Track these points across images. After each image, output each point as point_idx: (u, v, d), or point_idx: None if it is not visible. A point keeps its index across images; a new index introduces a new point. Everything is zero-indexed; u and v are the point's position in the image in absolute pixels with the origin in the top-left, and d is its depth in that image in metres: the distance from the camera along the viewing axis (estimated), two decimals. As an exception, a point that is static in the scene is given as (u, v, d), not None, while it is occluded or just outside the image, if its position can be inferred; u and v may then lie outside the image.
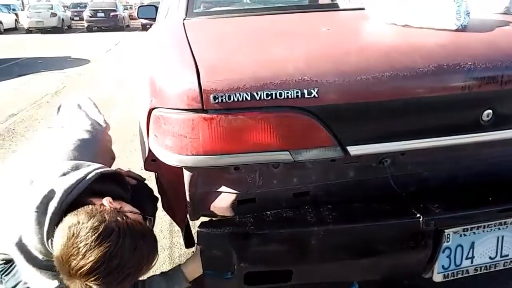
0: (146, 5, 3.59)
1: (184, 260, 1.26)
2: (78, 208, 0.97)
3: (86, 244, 0.89)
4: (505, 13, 1.54)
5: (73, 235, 0.90)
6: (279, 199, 1.07)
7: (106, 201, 1.01)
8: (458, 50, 1.01)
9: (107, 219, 0.93)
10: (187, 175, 1.04)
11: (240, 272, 0.96)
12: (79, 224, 0.92)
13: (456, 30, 1.12)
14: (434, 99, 0.98)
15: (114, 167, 1.33)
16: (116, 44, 11.90)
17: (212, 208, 1.07)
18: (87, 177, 1.03)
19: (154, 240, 1.05)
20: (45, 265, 1.03)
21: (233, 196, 1.04)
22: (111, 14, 18.16)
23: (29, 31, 17.20)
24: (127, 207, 1.06)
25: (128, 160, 2.70)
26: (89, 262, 0.88)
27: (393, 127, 0.99)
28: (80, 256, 0.88)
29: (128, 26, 19.68)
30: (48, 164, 1.11)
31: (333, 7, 1.63)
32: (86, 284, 0.90)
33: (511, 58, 0.99)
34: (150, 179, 1.44)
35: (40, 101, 4.99)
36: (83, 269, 0.88)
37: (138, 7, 3.39)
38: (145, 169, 1.17)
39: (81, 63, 8.20)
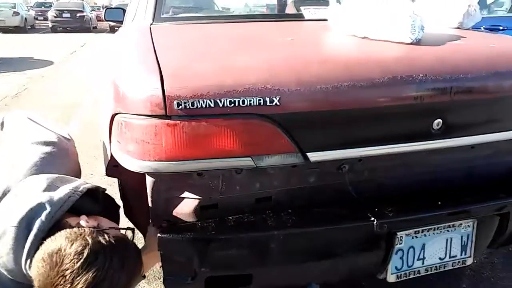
0: (114, 8, 3.53)
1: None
2: (56, 234, 0.90)
3: (73, 271, 0.84)
4: (458, 28, 1.66)
5: (56, 264, 0.85)
6: (241, 204, 1.08)
7: (83, 220, 0.96)
8: (411, 62, 1.07)
9: (90, 242, 0.88)
10: (149, 181, 1.04)
11: (201, 277, 0.97)
12: (61, 251, 0.86)
13: (411, 44, 1.19)
14: (389, 109, 1.03)
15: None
16: (82, 46, 11.58)
17: (175, 214, 1.06)
18: (76, 192, 0.99)
19: (138, 254, 1.02)
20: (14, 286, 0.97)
21: (196, 202, 1.05)
22: (78, 14, 17.66)
23: (-11, 30, 16.41)
24: (104, 222, 1.02)
25: (92, 166, 2.63)
26: None
27: (351, 135, 1.03)
28: (68, 283, 0.83)
29: (95, 27, 19.19)
30: (23, 177, 1.03)
31: (299, 17, 1.68)
32: None
33: (459, 71, 1.06)
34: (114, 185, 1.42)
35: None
36: None
37: (105, 9, 3.33)
38: (107, 175, 1.16)
39: (45, 64, 7.91)
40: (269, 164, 1.00)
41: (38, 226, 0.91)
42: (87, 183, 1.06)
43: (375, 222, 1.01)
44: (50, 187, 0.98)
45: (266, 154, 0.98)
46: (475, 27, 3.72)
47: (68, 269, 0.84)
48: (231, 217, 1.01)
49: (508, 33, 3.38)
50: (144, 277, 1.19)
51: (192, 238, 0.94)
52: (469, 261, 1.21)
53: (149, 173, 1.00)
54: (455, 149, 1.17)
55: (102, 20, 15.82)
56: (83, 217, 0.97)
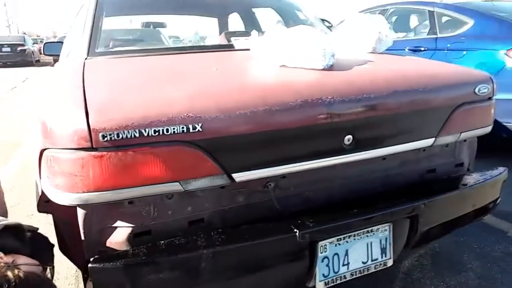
0: (53, 42, 3.49)
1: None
2: None
3: None
4: (372, 52, 1.85)
5: None
6: (175, 228, 1.13)
7: None
8: (321, 87, 1.20)
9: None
10: (81, 213, 1.07)
11: (135, 303, 1.00)
12: None
13: (323, 69, 1.33)
14: (304, 129, 1.14)
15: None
16: (23, 81, 11.09)
17: (108, 244, 1.09)
18: None
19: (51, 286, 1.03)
20: None
21: (129, 230, 1.08)
22: (19, 48, 17.02)
23: None
24: (22, 260, 1.01)
25: (31, 207, 2.52)
26: None
27: (272, 154, 1.13)
28: None
29: (38, 61, 18.49)
30: None
31: (229, 47, 1.80)
32: None
33: (363, 92, 1.20)
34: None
35: None
36: None
37: (44, 44, 3.28)
38: (39, 211, 1.17)
39: (-19, 101, 7.50)
40: (197, 187, 1.07)
41: None
42: (5, 220, 1.06)
43: (297, 233, 1.10)
44: None
45: (193, 178, 1.05)
46: (395, 49, 4.10)
47: None
48: (162, 241, 1.05)
49: (428, 53, 3.77)
50: None
51: (123, 264, 0.97)
52: (390, 263, 1.33)
53: (79, 205, 1.03)
54: (369, 161, 1.31)
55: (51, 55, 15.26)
56: None
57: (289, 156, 1.15)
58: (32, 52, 17.91)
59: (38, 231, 1.34)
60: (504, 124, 3.16)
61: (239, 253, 1.07)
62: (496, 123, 3.26)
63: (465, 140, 1.58)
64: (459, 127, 1.42)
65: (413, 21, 4.47)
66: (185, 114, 1.01)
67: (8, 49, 16.85)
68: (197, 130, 1.01)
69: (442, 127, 1.38)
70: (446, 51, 3.58)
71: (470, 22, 3.49)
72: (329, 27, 2.84)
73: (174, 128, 0.99)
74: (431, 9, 3.91)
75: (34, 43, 20.25)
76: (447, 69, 1.60)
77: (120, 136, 0.95)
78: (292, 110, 1.11)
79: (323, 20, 2.50)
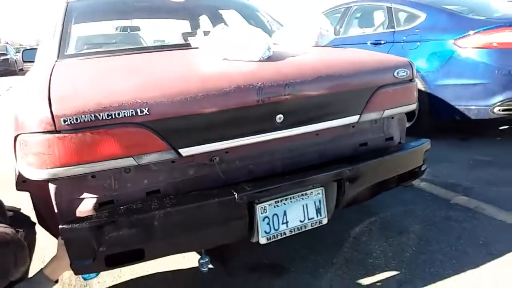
0: (30, 49, 3.66)
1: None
2: None
3: None
4: (315, 46, 2.08)
5: None
6: (134, 198, 1.34)
7: None
8: (253, 74, 1.42)
9: None
10: (52, 187, 1.27)
11: (100, 256, 1.21)
12: None
13: (260, 61, 1.56)
14: (238, 110, 1.36)
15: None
16: (7, 90, 11.13)
17: (78, 214, 1.30)
18: None
19: (21, 247, 1.23)
20: None
21: (94, 200, 1.30)
22: (1, 58, 17.00)
23: None
24: None
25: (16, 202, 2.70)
26: None
27: (212, 132, 1.34)
28: None
29: (21, 69, 18.34)
30: None
31: (186, 46, 2.01)
32: None
33: (289, 78, 1.43)
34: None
35: None
36: None
37: (22, 51, 3.45)
38: (17, 189, 1.37)
39: (-35, 112, 7.57)
40: (148, 161, 1.28)
41: None
42: None
43: (236, 195, 1.32)
44: None
45: (144, 153, 1.26)
46: (359, 43, 4.34)
47: None
48: (122, 207, 1.26)
49: (387, 45, 4.03)
50: (56, 281, 1.40)
51: (89, 224, 1.18)
52: (325, 221, 1.56)
53: (49, 180, 1.23)
54: (303, 137, 1.54)
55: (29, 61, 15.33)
56: None
57: (228, 134, 1.37)
58: (15, 61, 17.87)
59: (21, 211, 1.55)
60: (456, 107, 3.43)
61: (187, 213, 1.28)
62: (449, 107, 3.55)
63: (392, 117, 1.82)
64: (382, 105, 1.66)
65: (374, 16, 4.73)
66: (134, 101, 1.22)
67: (-10, 59, 16.81)
68: (144, 113, 1.23)
69: (365, 106, 1.61)
70: (402, 43, 3.85)
71: (422, 16, 3.76)
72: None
73: (124, 112, 1.21)
74: (389, 5, 4.18)
75: (16, 52, 20.15)
76: (370, 57, 1.85)
77: (79, 120, 1.16)
78: (227, 95, 1.33)
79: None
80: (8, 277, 1.18)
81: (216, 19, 3.18)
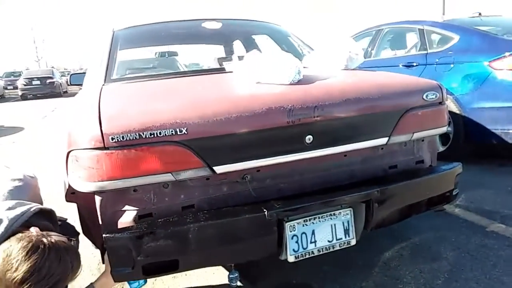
0: (78, 73, 3.96)
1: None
2: (11, 237, 1.23)
3: (17, 260, 1.16)
4: (345, 69, 2.15)
5: (6, 255, 1.17)
6: (171, 212, 1.43)
7: (33, 229, 1.29)
8: (283, 97, 1.50)
9: (33, 239, 1.21)
10: (98, 199, 1.39)
11: (138, 265, 1.29)
12: (11, 246, 1.19)
13: (290, 84, 1.64)
14: (271, 131, 1.44)
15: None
16: (52, 111, 11.88)
17: (119, 224, 1.40)
18: (30, 210, 1.32)
19: (76, 254, 1.35)
20: None
21: (134, 213, 1.40)
22: (48, 81, 18.15)
23: (-43, 102, 16.55)
24: (51, 234, 1.32)
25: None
26: (21, 273, 1.14)
27: (244, 152, 1.42)
28: (14, 269, 1.15)
29: (66, 92, 19.62)
30: None
31: (221, 70, 2.13)
32: None
33: (318, 100, 1.49)
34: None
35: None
36: (16, 279, 1.14)
37: (70, 75, 3.73)
38: (66, 200, 1.49)
39: (15, 131, 8.14)
40: (185, 177, 1.37)
41: None
42: (39, 205, 1.38)
43: (266, 213, 1.38)
44: (11, 208, 1.32)
45: (182, 170, 1.36)
46: (390, 66, 4.36)
47: (14, 258, 1.16)
48: (160, 219, 1.35)
49: (420, 68, 4.02)
50: None
51: (129, 234, 1.27)
52: (353, 242, 1.58)
53: (96, 192, 1.35)
54: (332, 158, 1.59)
55: (75, 85, 16.28)
56: (35, 228, 1.29)
57: (259, 153, 1.44)
58: (60, 84, 19.05)
59: (67, 221, 1.68)
60: (493, 131, 3.35)
61: (219, 228, 1.35)
62: (486, 130, 3.47)
63: (423, 140, 1.83)
64: (411, 128, 1.68)
65: (406, 39, 4.75)
66: (173, 121, 1.33)
67: (38, 82, 18.03)
68: (183, 132, 1.33)
69: (394, 128, 1.64)
70: (435, 65, 3.83)
71: (456, 38, 3.74)
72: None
73: (165, 131, 1.31)
74: (421, 27, 4.20)
75: (61, 76, 21.56)
76: (399, 79, 1.88)
77: (125, 138, 1.28)
78: (259, 116, 1.41)
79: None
80: (66, 282, 1.28)
81: (249, 44, 3.34)
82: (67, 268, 1.26)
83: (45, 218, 1.40)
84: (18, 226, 1.27)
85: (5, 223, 1.25)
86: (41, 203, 1.61)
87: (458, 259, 2.06)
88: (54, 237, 1.27)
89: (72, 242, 1.36)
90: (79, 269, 1.33)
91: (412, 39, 4.56)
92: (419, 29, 4.23)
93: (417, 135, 1.71)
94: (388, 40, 4.95)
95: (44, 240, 1.22)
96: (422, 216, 1.87)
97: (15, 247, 1.18)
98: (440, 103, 1.76)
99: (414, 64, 4.10)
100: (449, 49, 3.77)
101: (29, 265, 1.16)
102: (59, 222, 1.61)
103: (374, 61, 4.73)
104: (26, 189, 1.54)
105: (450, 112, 3.53)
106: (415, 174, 1.71)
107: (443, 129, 1.81)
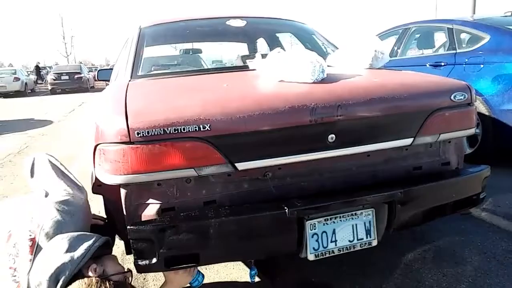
0: (105, 69, 4.07)
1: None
2: (72, 283, 1.27)
3: None
4: (370, 68, 2.12)
5: None
6: (192, 207, 1.46)
7: (91, 271, 1.32)
8: (307, 95, 1.49)
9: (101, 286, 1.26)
10: (123, 192, 1.43)
11: (161, 257, 1.32)
12: None
13: (314, 83, 1.63)
14: (293, 129, 1.44)
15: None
16: (80, 105, 12.24)
17: (143, 217, 1.43)
18: (90, 250, 1.33)
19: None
20: None
21: (158, 206, 1.43)
22: (76, 76, 18.70)
23: (-9, 96, 17.31)
24: (109, 268, 1.37)
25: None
26: None
27: (266, 149, 1.43)
28: None
29: (93, 87, 20.16)
30: (48, 235, 1.36)
31: (244, 68, 2.15)
32: None
33: (342, 99, 1.48)
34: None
35: (3, 160, 5.18)
36: None
37: (98, 71, 3.84)
38: (93, 192, 1.54)
39: (44, 124, 8.44)
40: (207, 173, 1.39)
41: (63, 280, 1.27)
42: (99, 240, 1.38)
43: (287, 210, 1.38)
44: (70, 248, 1.32)
45: (204, 165, 1.38)
46: (417, 65, 4.26)
47: None
48: (182, 213, 1.38)
49: (448, 68, 3.92)
50: None
51: (152, 227, 1.30)
52: (374, 243, 1.56)
53: (121, 185, 1.39)
54: (354, 157, 1.57)
55: (103, 80, 16.72)
56: (92, 266, 1.32)
57: (281, 151, 1.45)
58: (88, 79, 19.59)
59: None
60: (525, 134, 3.23)
61: (240, 224, 1.36)
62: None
63: (449, 142, 1.79)
64: (437, 129, 1.64)
65: (434, 38, 4.63)
66: (197, 117, 1.35)
67: (67, 77, 18.61)
68: (206, 129, 1.35)
69: (420, 129, 1.61)
70: (464, 65, 3.71)
71: (486, 37, 3.62)
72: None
73: (189, 127, 1.33)
74: (450, 26, 4.08)
75: (89, 71, 22.15)
76: (426, 79, 1.84)
77: (150, 133, 1.31)
78: (282, 114, 1.41)
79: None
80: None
81: (274, 42, 3.34)
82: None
83: (103, 248, 1.42)
84: (82, 266, 1.30)
85: (69, 269, 1.28)
86: (91, 219, 1.64)
87: (483, 264, 2.00)
88: (114, 278, 1.32)
89: (127, 276, 1.42)
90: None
91: (440, 38, 4.44)
92: (448, 28, 4.11)
93: (443, 137, 1.67)
94: (415, 39, 4.84)
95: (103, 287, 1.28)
96: (447, 219, 1.83)
97: None
98: (468, 104, 1.71)
99: (442, 64, 4.00)
100: (479, 49, 3.65)
101: None
102: (102, 222, 1.66)
103: (400, 60, 4.63)
104: (80, 213, 1.50)
105: (479, 114, 3.43)
106: (440, 176, 1.67)
107: (471, 131, 1.76)
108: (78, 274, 1.30)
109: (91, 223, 1.62)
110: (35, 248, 1.35)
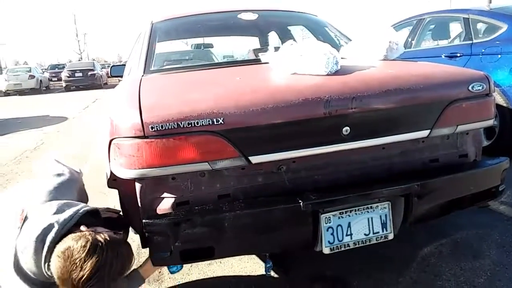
0: (118, 65, 4.10)
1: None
2: (64, 238, 1.28)
3: (80, 259, 1.21)
4: (384, 59, 2.08)
5: (68, 257, 1.22)
6: (207, 200, 1.46)
7: (83, 227, 1.33)
8: (320, 88, 1.47)
9: (90, 238, 1.26)
10: (138, 186, 1.44)
11: (176, 251, 1.33)
12: (70, 247, 1.24)
13: (327, 75, 1.61)
14: (307, 122, 1.42)
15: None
16: (93, 102, 12.39)
17: (158, 211, 1.44)
18: (78, 213, 1.36)
19: (128, 245, 1.41)
20: (38, 282, 1.33)
21: (172, 200, 1.44)
22: (89, 73, 18.92)
23: (7, 93, 17.64)
24: (99, 229, 1.37)
25: (102, 200, 3.02)
26: (87, 271, 1.21)
27: (280, 142, 1.42)
28: (79, 269, 1.21)
29: (106, 83, 20.38)
30: (42, 202, 1.40)
31: (257, 61, 2.13)
32: None
33: (357, 92, 1.46)
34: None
35: (20, 156, 5.28)
36: (84, 278, 1.20)
37: (111, 67, 3.87)
38: (108, 187, 1.55)
39: (59, 121, 8.57)
40: (221, 167, 1.39)
41: (50, 240, 1.28)
42: (87, 206, 1.42)
43: (301, 203, 1.37)
44: (58, 211, 1.35)
45: (218, 159, 1.37)
46: (432, 57, 4.17)
47: (77, 258, 1.22)
48: (196, 207, 1.38)
49: (464, 58, 3.83)
50: (143, 281, 1.61)
51: (167, 221, 1.31)
52: (391, 236, 1.54)
53: (136, 179, 1.40)
54: (369, 150, 1.55)
55: (116, 76, 16.85)
56: (83, 226, 1.34)
57: (295, 144, 1.43)
58: (101, 76, 19.82)
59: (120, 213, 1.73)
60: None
61: (254, 217, 1.36)
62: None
63: (467, 133, 1.75)
64: (455, 120, 1.61)
65: (449, 28, 4.52)
66: (210, 111, 1.34)
67: (80, 74, 18.85)
68: (219, 122, 1.34)
69: (436, 121, 1.57)
70: (481, 56, 3.62)
71: (504, 27, 3.52)
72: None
73: (202, 121, 1.33)
74: (466, 16, 3.98)
75: (102, 68, 22.39)
76: (442, 70, 1.80)
77: (164, 127, 1.31)
78: (295, 107, 1.40)
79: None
80: (125, 273, 1.36)
81: (285, 35, 3.31)
82: (125, 260, 1.33)
83: (91, 216, 1.44)
84: (67, 229, 1.31)
85: (55, 228, 1.29)
86: (87, 198, 1.68)
87: (502, 257, 1.96)
88: (105, 233, 1.32)
89: (122, 235, 1.42)
90: (133, 259, 1.40)
91: (456, 28, 4.34)
92: (464, 18, 4.01)
93: (461, 128, 1.63)
94: (430, 29, 4.74)
95: (99, 237, 1.27)
96: (464, 212, 1.80)
97: (74, 248, 1.23)
98: (487, 94, 1.67)
99: (458, 54, 3.90)
100: (496, 38, 3.55)
101: (93, 263, 1.21)
102: (115, 215, 1.68)
103: (415, 52, 4.54)
104: (72, 185, 1.58)
105: (497, 105, 3.34)
106: (458, 169, 1.64)
107: (489, 122, 1.72)
108: (66, 236, 1.29)
109: (105, 216, 1.63)
110: (24, 216, 1.36)
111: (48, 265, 1.27)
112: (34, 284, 1.34)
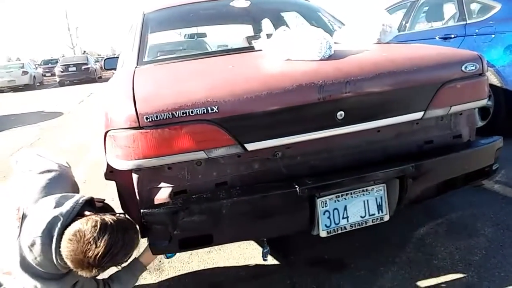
0: (111, 57, 4.06)
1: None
2: (71, 224, 1.31)
3: (94, 237, 1.25)
4: (378, 43, 2.08)
5: (81, 237, 1.26)
6: (204, 189, 1.47)
7: (86, 212, 1.37)
8: (314, 73, 1.47)
9: (98, 219, 1.30)
10: (135, 177, 1.45)
11: (175, 239, 1.35)
12: (81, 229, 1.27)
13: (321, 60, 1.61)
14: (302, 107, 1.43)
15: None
16: (88, 96, 12.32)
17: (155, 201, 1.46)
18: (78, 203, 1.38)
19: (133, 224, 1.44)
20: (48, 276, 1.36)
21: (170, 189, 1.45)
22: (83, 67, 18.74)
23: (0, 90, 17.48)
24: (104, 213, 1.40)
25: (101, 191, 3.03)
26: (102, 248, 1.25)
27: (275, 129, 1.42)
28: (94, 246, 1.24)
29: (100, 77, 20.20)
30: (35, 199, 1.41)
31: (250, 49, 2.12)
32: (103, 267, 1.27)
33: (351, 76, 1.46)
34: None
35: (17, 153, 5.27)
36: (99, 254, 1.24)
37: (104, 60, 3.83)
38: (105, 178, 1.56)
39: (55, 116, 8.54)
40: (217, 155, 1.40)
41: (57, 231, 1.31)
42: (83, 196, 1.45)
43: (298, 188, 1.39)
44: (58, 204, 1.38)
45: (214, 147, 1.38)
46: (426, 39, 4.16)
47: (90, 237, 1.25)
48: (194, 195, 1.39)
49: (458, 39, 3.82)
50: (146, 268, 1.64)
51: (165, 210, 1.33)
52: (386, 218, 1.56)
53: (133, 170, 1.40)
54: (364, 133, 1.56)
55: (110, 69, 16.66)
56: (85, 212, 1.37)
57: (290, 130, 1.44)
58: (95, 70, 19.63)
59: (105, 201, 1.76)
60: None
61: (252, 204, 1.38)
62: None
63: (461, 114, 1.76)
64: (448, 101, 1.62)
65: (443, 10, 4.50)
66: (204, 100, 1.35)
67: (74, 68, 18.67)
68: (214, 111, 1.35)
69: (430, 102, 1.58)
70: (475, 36, 3.62)
71: (497, 6, 3.50)
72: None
73: (197, 110, 1.33)
74: (459, -4, 3.95)
75: (96, 62, 22.16)
76: (435, 51, 1.80)
77: (158, 117, 1.31)
78: (289, 93, 1.40)
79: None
80: (133, 250, 1.39)
81: (279, 21, 3.28)
82: (133, 238, 1.37)
83: (88, 205, 1.46)
84: (71, 220, 1.33)
85: (61, 220, 1.32)
86: (78, 190, 1.69)
87: (496, 235, 2.00)
88: (109, 215, 1.35)
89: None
90: (139, 237, 1.43)
91: (449, 9, 4.31)
92: (457, -2, 3.98)
93: (455, 109, 1.64)
94: (424, 11, 4.71)
95: (106, 218, 1.31)
96: (459, 192, 1.82)
97: (86, 229, 1.27)
98: (480, 74, 1.68)
99: (452, 36, 3.89)
100: (490, 18, 3.54)
101: (106, 240, 1.26)
102: (100, 204, 1.69)
103: (408, 34, 4.53)
104: (64, 180, 1.58)
105: (491, 85, 3.35)
106: (452, 149, 1.65)
107: (483, 102, 1.73)
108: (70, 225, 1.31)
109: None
110: (22, 214, 1.37)
111: (60, 255, 1.30)
112: (43, 278, 1.37)
